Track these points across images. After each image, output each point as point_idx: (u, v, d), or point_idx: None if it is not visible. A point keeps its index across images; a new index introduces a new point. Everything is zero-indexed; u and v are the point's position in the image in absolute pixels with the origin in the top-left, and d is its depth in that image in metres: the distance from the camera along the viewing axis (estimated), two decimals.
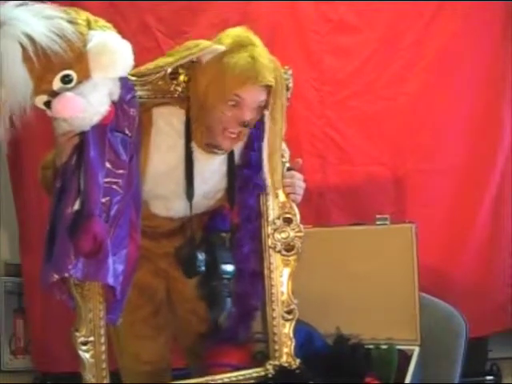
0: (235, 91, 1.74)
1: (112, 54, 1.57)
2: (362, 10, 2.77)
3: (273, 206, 1.94)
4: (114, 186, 1.66)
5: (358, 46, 2.82)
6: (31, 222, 2.84)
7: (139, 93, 1.77)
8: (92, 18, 1.61)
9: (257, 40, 1.80)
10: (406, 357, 2.09)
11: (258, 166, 1.90)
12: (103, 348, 1.77)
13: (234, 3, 2.69)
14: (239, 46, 1.77)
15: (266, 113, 1.83)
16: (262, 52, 1.78)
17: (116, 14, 2.69)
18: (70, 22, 1.54)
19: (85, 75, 1.56)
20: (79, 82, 1.56)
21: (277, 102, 1.82)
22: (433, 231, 2.81)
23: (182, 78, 1.82)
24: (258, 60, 1.74)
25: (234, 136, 1.80)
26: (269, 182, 1.88)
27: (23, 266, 2.92)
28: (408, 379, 1.97)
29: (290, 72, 1.91)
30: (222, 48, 1.76)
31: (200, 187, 1.88)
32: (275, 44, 2.58)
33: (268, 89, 1.78)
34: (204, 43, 1.77)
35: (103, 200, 1.63)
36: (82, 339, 1.74)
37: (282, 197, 1.95)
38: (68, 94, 1.55)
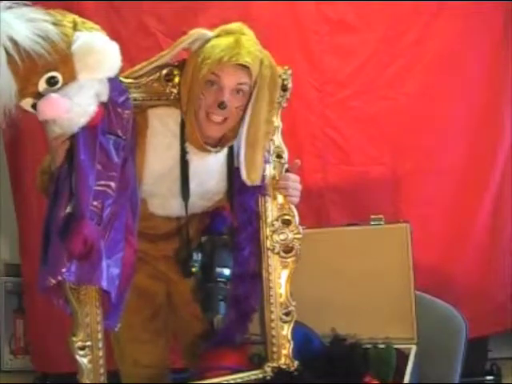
0: (213, 69, 1.73)
1: (98, 54, 1.56)
2: (362, 9, 2.76)
3: (271, 208, 1.93)
4: (106, 189, 1.65)
5: (358, 46, 2.81)
6: (31, 222, 2.84)
7: (134, 95, 1.77)
8: (79, 19, 1.60)
9: (249, 32, 1.79)
10: (403, 356, 2.09)
11: None
12: (101, 353, 1.76)
13: (234, 3, 2.68)
14: (227, 32, 1.76)
15: (250, 103, 1.80)
16: (249, 40, 1.76)
17: (115, 15, 2.71)
18: (55, 24, 1.53)
19: (70, 76, 1.56)
20: (65, 84, 1.56)
21: (262, 92, 1.79)
22: (433, 231, 2.83)
23: (177, 79, 1.81)
24: (240, 43, 1.73)
25: (218, 121, 1.78)
26: (244, 175, 1.84)
27: (23, 266, 2.93)
28: (407, 378, 1.97)
29: (289, 72, 1.89)
30: (210, 33, 1.76)
31: (197, 188, 1.88)
32: (275, 44, 2.56)
33: (249, 73, 1.75)
34: (193, 31, 1.76)
35: (95, 203, 1.63)
36: (79, 344, 1.73)
37: (280, 198, 1.93)
38: (53, 95, 1.55)
